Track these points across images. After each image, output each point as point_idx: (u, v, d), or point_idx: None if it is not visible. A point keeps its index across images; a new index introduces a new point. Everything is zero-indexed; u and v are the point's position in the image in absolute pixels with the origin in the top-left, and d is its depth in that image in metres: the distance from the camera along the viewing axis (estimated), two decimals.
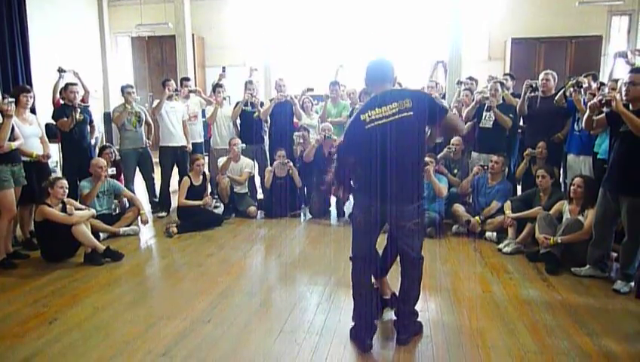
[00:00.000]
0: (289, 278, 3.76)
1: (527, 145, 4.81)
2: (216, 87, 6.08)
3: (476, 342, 2.67)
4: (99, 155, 5.12)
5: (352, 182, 2.71)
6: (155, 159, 5.87)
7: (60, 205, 4.04)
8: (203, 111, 6.35)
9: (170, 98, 5.61)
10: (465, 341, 2.69)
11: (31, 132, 4.21)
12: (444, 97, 6.10)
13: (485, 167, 4.77)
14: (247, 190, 5.73)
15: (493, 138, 4.96)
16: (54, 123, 5.12)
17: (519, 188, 5.15)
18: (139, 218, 4.83)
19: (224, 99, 6.02)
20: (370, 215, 2.56)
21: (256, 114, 5.84)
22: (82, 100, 5.35)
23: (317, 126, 5.74)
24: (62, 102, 5.28)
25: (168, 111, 5.57)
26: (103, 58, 10.50)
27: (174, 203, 5.51)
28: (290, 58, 10.27)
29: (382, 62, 2.61)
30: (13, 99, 3.87)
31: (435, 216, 4.66)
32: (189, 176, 5.17)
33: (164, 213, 5.58)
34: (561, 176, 4.83)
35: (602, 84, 4.64)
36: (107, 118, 9.45)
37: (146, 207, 5.40)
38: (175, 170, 5.79)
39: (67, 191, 4.12)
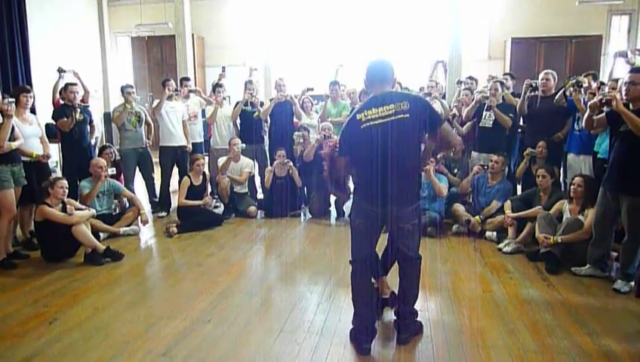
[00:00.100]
0: (289, 278, 3.76)
1: (527, 144, 4.81)
2: (216, 86, 6.08)
3: (476, 342, 2.67)
4: (99, 155, 5.12)
5: (347, 181, 2.70)
6: (155, 159, 5.86)
7: (60, 205, 4.04)
8: (203, 111, 6.35)
9: (170, 98, 5.61)
10: (465, 340, 2.69)
11: (31, 132, 4.21)
12: (444, 97, 6.10)
13: (485, 167, 4.77)
14: (247, 190, 5.73)
15: (493, 138, 4.96)
16: (54, 123, 5.12)
17: (519, 187, 5.15)
18: (139, 218, 4.83)
19: (224, 99, 6.02)
20: (369, 219, 2.55)
21: (256, 114, 5.84)
22: (82, 100, 5.35)
23: (317, 126, 5.74)
24: (62, 102, 5.28)
25: (168, 111, 5.57)
26: (102, 58, 10.50)
27: (174, 203, 5.52)
28: (290, 58, 10.27)
29: (382, 63, 2.61)
30: (13, 99, 3.87)
31: (435, 216, 4.66)
32: (189, 176, 5.17)
33: (164, 213, 5.58)
34: (561, 175, 4.83)
35: (602, 83, 4.64)
36: (107, 118, 9.44)
37: (146, 207, 5.41)
38: (175, 170, 5.79)
39: (67, 191, 4.12)
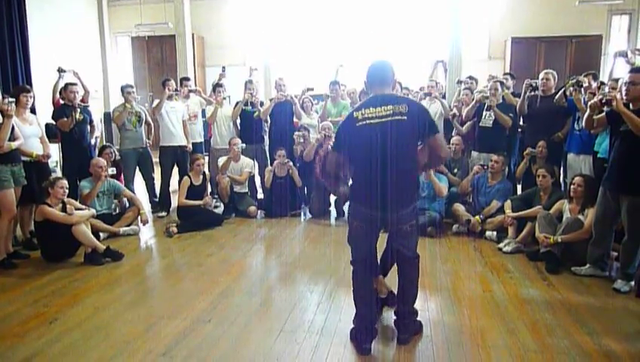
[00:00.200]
0: (289, 278, 3.76)
1: (527, 144, 4.81)
2: (216, 86, 6.08)
3: (476, 342, 2.67)
4: (99, 155, 5.12)
5: (341, 177, 2.68)
6: (155, 159, 5.87)
7: (60, 205, 4.04)
8: (203, 111, 6.35)
9: (170, 98, 5.61)
10: (465, 340, 2.69)
11: (31, 132, 4.21)
12: (444, 97, 6.10)
13: (485, 167, 4.77)
14: (247, 190, 5.73)
15: (493, 137, 4.96)
16: (54, 123, 5.12)
17: (519, 187, 5.15)
18: (139, 218, 4.83)
19: (224, 98, 6.01)
20: (368, 222, 2.56)
21: (257, 113, 5.84)
22: (82, 100, 5.35)
23: (317, 125, 5.74)
24: (62, 102, 5.28)
25: (168, 111, 5.57)
26: (102, 58, 10.50)
27: (174, 203, 5.52)
28: (290, 58, 10.27)
29: (383, 65, 2.61)
30: (14, 99, 3.87)
31: (435, 216, 4.66)
32: (189, 176, 5.17)
33: (164, 213, 5.58)
34: (562, 175, 4.83)
35: (602, 83, 4.64)
36: (107, 118, 9.45)
37: (146, 206, 5.41)
38: (175, 169, 5.79)
39: (67, 191, 4.12)
